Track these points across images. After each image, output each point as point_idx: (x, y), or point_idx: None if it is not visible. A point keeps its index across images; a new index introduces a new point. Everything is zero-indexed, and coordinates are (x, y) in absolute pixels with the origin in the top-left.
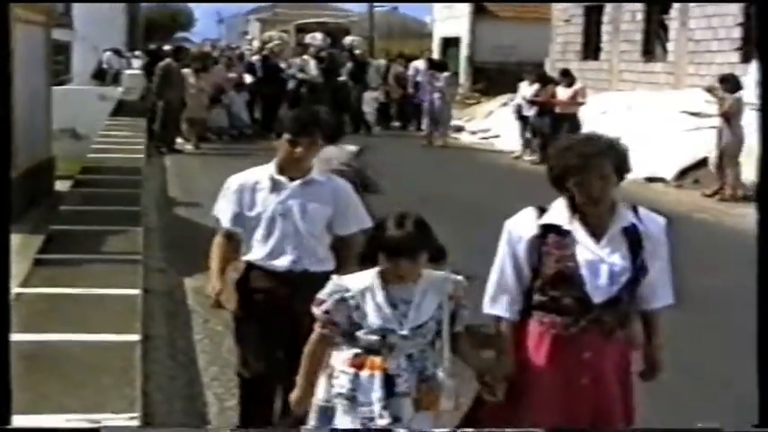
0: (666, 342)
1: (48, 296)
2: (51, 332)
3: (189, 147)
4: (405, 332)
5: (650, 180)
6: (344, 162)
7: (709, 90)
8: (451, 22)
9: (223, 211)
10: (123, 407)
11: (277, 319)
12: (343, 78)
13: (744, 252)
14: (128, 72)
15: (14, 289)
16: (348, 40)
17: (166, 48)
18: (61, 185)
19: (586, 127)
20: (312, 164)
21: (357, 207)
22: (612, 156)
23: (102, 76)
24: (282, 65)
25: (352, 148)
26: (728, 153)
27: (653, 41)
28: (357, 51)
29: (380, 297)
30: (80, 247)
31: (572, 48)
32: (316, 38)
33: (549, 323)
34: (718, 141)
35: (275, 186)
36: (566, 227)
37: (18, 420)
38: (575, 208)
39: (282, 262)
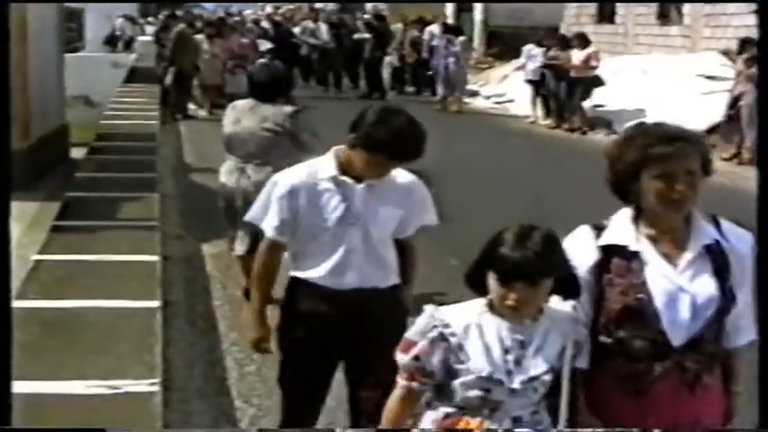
0: None
1: (66, 263)
2: (70, 299)
3: (202, 112)
4: (515, 385)
5: None
6: (279, 122)
7: (726, 53)
8: None
9: (267, 217)
10: (143, 373)
11: (344, 350)
12: (357, 39)
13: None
14: (141, 38)
15: (33, 256)
16: (372, 5)
17: (179, 14)
18: (76, 153)
19: (601, 90)
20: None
21: (428, 204)
22: (700, 147)
23: (114, 42)
24: (296, 30)
25: (288, 108)
26: (750, 116)
27: (668, 5)
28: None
29: (490, 335)
30: (97, 214)
31: (587, 11)
32: (328, 4)
33: (616, 372)
34: (734, 104)
35: (339, 189)
36: (632, 247)
37: (38, 386)
38: (640, 222)
39: (350, 279)
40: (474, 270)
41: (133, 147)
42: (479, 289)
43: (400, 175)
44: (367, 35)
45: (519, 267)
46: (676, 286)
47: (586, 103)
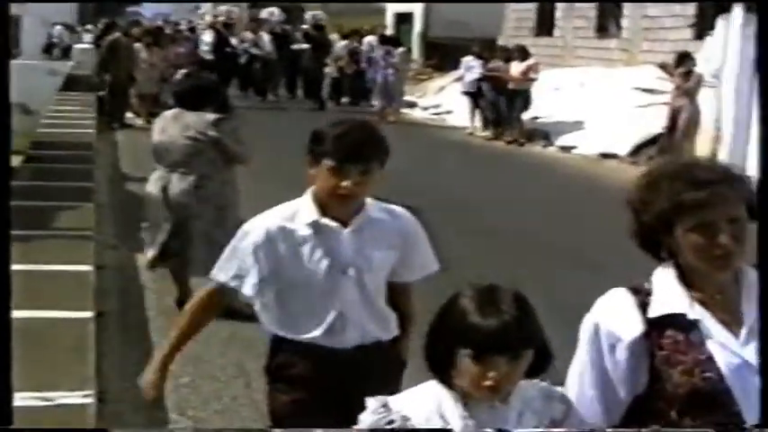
0: None
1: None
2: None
3: (140, 121)
4: None
5: (604, 156)
6: (201, 130)
7: (663, 67)
8: None
9: (239, 274)
10: (76, 384)
11: (343, 408)
12: (296, 49)
13: None
14: (78, 46)
15: None
16: (311, 15)
17: (118, 21)
18: (12, 161)
19: (539, 103)
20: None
21: (426, 247)
22: (742, 187)
23: (51, 50)
24: (234, 40)
25: (211, 116)
26: (687, 129)
27: (607, 18)
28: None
29: (458, 424)
30: (31, 223)
31: (526, 24)
32: (273, 13)
33: None
34: (672, 118)
35: (323, 235)
36: (690, 315)
37: None
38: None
39: (351, 336)
40: (438, 350)
41: (69, 156)
42: (445, 371)
43: (391, 211)
44: (305, 45)
45: (499, 338)
46: (742, 360)
47: (524, 115)
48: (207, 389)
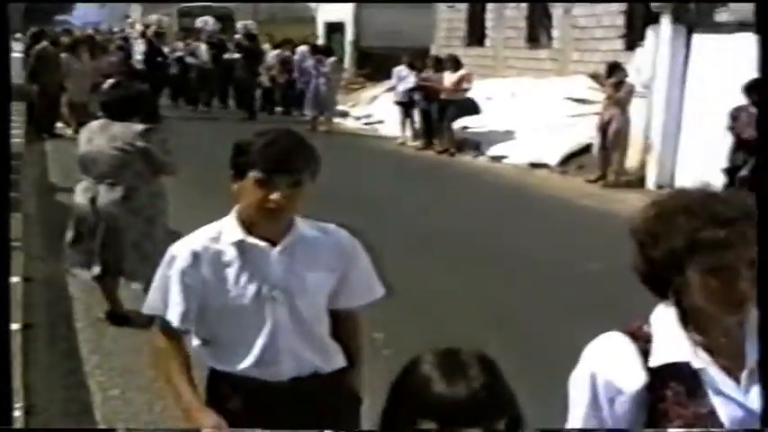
0: (548, 324)
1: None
2: None
3: (69, 131)
4: None
5: (534, 166)
6: (128, 141)
7: (594, 77)
8: (336, 7)
9: (167, 303)
10: None
11: None
12: (228, 59)
13: (625, 237)
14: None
15: None
16: (242, 24)
17: (48, 31)
18: None
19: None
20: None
21: (367, 269)
22: (755, 225)
23: None
24: (165, 49)
25: (139, 126)
26: (617, 139)
27: (538, 28)
28: (255, 32)
29: None
30: None
31: (457, 34)
32: (208, 22)
33: None
34: (602, 128)
35: (250, 256)
36: (695, 364)
37: None
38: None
39: (284, 367)
40: (396, 422)
41: None
42: None
43: (325, 229)
44: (237, 55)
45: (469, 409)
46: (745, 411)
47: (455, 126)
48: (137, 400)
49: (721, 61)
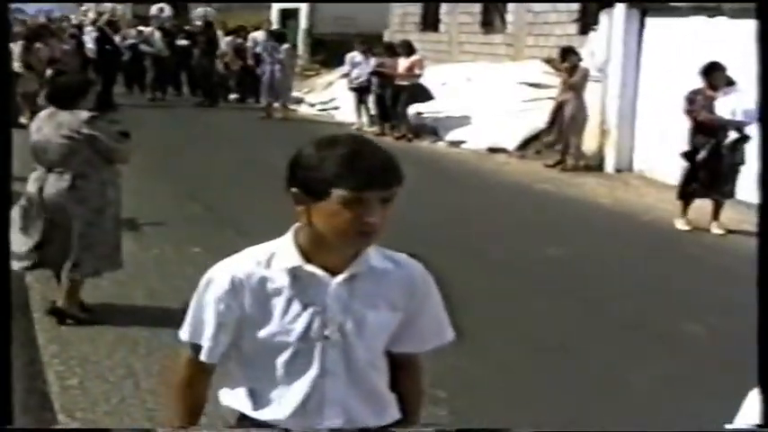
0: (507, 309)
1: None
2: None
3: (23, 120)
4: None
5: (492, 151)
6: (74, 129)
7: (548, 61)
8: None
9: (199, 332)
10: None
11: None
12: (182, 46)
13: (584, 221)
14: None
15: None
16: (200, 11)
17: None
18: None
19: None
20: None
21: (438, 310)
22: None
23: None
24: (117, 37)
25: (85, 114)
26: (573, 123)
27: (492, 13)
28: (210, 20)
29: None
30: None
31: (411, 19)
32: (163, 9)
33: None
34: (557, 112)
35: (303, 285)
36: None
37: None
38: None
39: (329, 420)
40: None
41: None
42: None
43: (395, 260)
44: (186, 42)
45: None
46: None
47: (411, 111)
48: (96, 390)
49: (675, 44)
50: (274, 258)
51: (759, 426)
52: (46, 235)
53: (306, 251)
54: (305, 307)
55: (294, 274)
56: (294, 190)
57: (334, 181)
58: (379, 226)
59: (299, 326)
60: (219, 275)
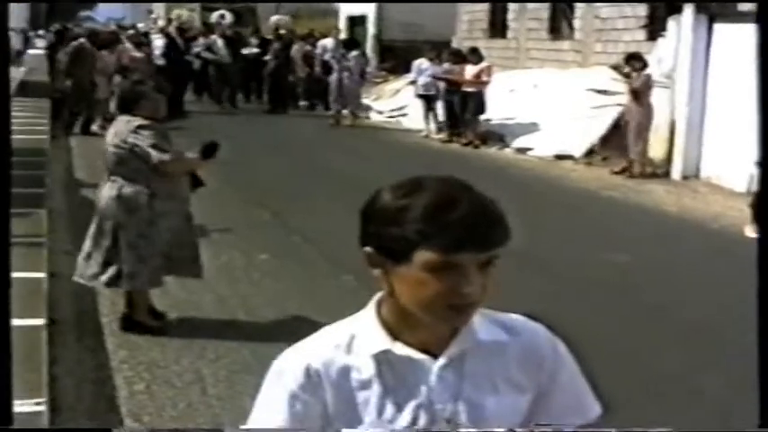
0: (571, 318)
1: None
2: None
3: (95, 127)
4: None
5: (559, 158)
6: (123, 137)
7: (616, 68)
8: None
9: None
10: (29, 392)
11: None
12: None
13: (649, 228)
14: (31, 52)
15: None
16: (273, 19)
17: (72, 27)
18: None
19: (494, 105)
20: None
21: (576, 381)
22: None
23: None
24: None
25: (135, 122)
26: (637, 130)
27: (560, 19)
28: (282, 31)
29: None
30: None
31: (479, 26)
32: (224, 16)
33: None
34: (624, 119)
35: (397, 373)
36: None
37: None
38: None
39: None
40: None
41: (22, 162)
42: None
43: (509, 326)
44: (255, 50)
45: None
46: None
47: (480, 118)
48: (163, 395)
49: (744, 50)
50: (356, 340)
51: (759, 426)
52: (107, 246)
53: (393, 328)
54: (404, 400)
55: (384, 359)
56: (368, 249)
57: (416, 239)
58: (477, 297)
59: (398, 423)
60: (291, 365)
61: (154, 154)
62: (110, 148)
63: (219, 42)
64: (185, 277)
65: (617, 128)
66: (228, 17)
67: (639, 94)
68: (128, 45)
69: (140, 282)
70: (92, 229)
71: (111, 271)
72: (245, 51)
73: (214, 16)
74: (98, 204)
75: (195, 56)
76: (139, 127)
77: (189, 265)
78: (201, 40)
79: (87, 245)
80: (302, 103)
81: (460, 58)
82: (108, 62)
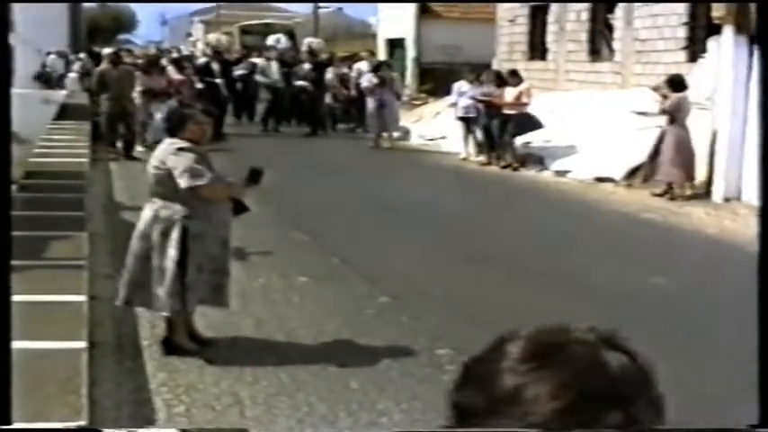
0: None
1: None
2: None
3: (139, 150)
4: None
5: (599, 180)
6: (162, 159)
7: (656, 89)
8: (396, 22)
9: None
10: (69, 415)
11: None
12: (302, 83)
13: (690, 251)
14: (71, 75)
15: None
16: (308, 41)
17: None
18: None
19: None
20: None
21: None
22: None
23: (46, 79)
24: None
25: (175, 144)
26: (674, 152)
27: (599, 41)
28: (325, 54)
29: None
30: (24, 253)
31: (518, 48)
32: (280, 40)
33: None
34: (661, 141)
35: None
36: None
37: None
38: None
39: None
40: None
41: (62, 185)
42: None
43: None
44: (307, 65)
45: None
46: None
47: (518, 140)
48: (201, 418)
49: None
50: None
51: (759, 426)
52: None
53: None
54: None
55: None
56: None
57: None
58: None
59: None
60: None
61: (185, 179)
62: (151, 169)
63: (274, 66)
64: (211, 306)
65: (658, 150)
66: (284, 41)
67: (674, 116)
68: (169, 68)
69: (175, 305)
70: (131, 250)
71: (147, 293)
72: (297, 83)
73: (270, 40)
74: (137, 225)
75: (239, 79)
76: (179, 149)
77: (216, 293)
78: (244, 62)
79: (127, 267)
80: (340, 125)
81: (500, 80)
82: (148, 84)
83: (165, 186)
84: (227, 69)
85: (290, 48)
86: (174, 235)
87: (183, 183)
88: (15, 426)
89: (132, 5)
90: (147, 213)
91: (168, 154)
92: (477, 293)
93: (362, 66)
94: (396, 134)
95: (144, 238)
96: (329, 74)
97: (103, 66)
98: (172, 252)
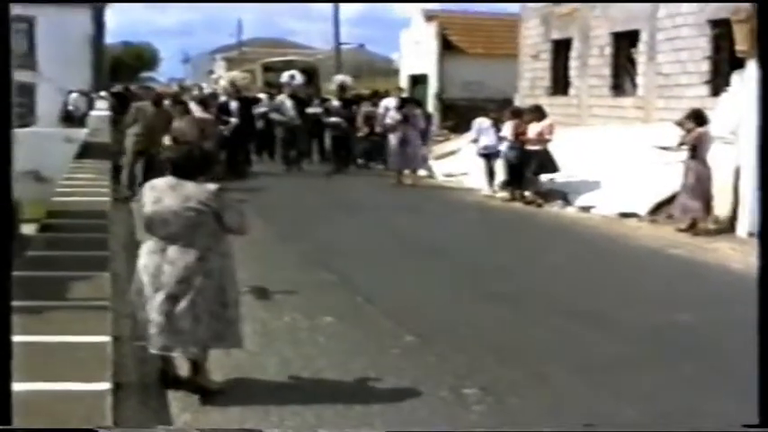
0: (637, 375)
1: (14, 345)
2: (18, 382)
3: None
4: None
5: (624, 215)
6: (202, 201)
7: (679, 124)
8: (419, 58)
9: None
10: None
11: None
12: (335, 119)
13: (715, 287)
14: (93, 113)
15: None
16: (340, 78)
17: (134, 88)
18: (27, 229)
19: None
20: None
21: None
22: None
23: (70, 118)
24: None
25: (212, 186)
26: (696, 187)
27: (622, 76)
28: (355, 91)
29: None
30: (46, 294)
31: (541, 83)
32: (294, 77)
33: None
34: (685, 176)
35: None
36: None
37: None
38: None
39: None
40: None
41: (84, 224)
42: None
43: None
44: (319, 109)
45: None
46: None
47: (542, 176)
48: None
49: None
50: None
51: (758, 426)
52: (168, 312)
53: None
54: None
55: None
56: None
57: None
58: None
59: None
60: None
61: (238, 217)
62: (183, 212)
63: (288, 103)
64: (225, 348)
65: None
66: (299, 77)
67: (695, 151)
68: (193, 106)
69: (196, 344)
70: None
71: (172, 334)
72: (310, 110)
73: (284, 77)
74: (155, 269)
75: (260, 116)
76: (221, 190)
77: (229, 332)
78: (266, 99)
79: (152, 309)
80: (360, 161)
81: (522, 116)
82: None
83: (205, 227)
84: (247, 107)
85: (303, 84)
86: (216, 275)
87: (236, 221)
88: (15, 426)
89: (155, 44)
90: (184, 257)
91: (209, 194)
92: (504, 331)
93: (390, 102)
94: (423, 172)
95: (180, 280)
96: (357, 110)
97: (142, 103)
98: (214, 292)
